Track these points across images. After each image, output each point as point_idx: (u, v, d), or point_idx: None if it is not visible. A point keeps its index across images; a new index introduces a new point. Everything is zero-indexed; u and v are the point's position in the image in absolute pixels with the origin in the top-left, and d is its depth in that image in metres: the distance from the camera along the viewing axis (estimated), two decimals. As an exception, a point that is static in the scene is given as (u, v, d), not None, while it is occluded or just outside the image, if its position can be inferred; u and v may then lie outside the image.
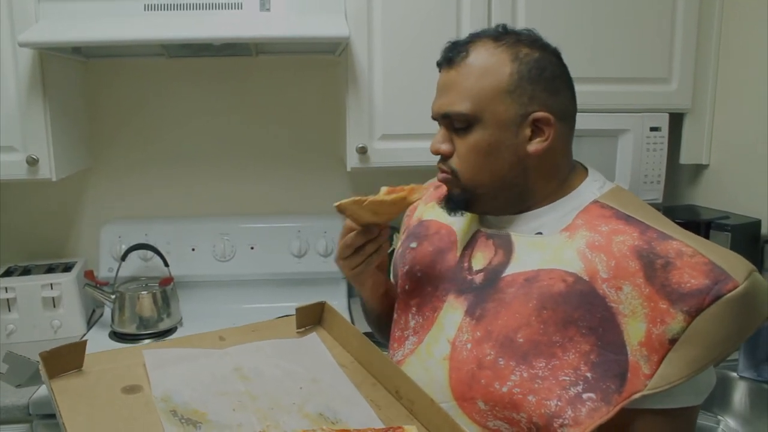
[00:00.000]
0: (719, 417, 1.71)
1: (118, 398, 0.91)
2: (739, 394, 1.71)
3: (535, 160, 0.99)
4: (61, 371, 0.96)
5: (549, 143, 0.98)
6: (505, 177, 1.00)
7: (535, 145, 0.98)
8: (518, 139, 0.98)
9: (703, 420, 1.69)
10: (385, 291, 1.23)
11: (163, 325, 1.97)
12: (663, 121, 1.93)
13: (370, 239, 1.06)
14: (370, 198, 1.00)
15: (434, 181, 1.28)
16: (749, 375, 1.69)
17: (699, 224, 1.83)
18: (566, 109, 1.00)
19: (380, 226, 1.07)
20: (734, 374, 1.71)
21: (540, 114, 0.96)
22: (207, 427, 0.86)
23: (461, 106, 0.98)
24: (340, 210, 1.00)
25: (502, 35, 0.99)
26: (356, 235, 1.06)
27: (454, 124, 1.00)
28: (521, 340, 0.92)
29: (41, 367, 0.93)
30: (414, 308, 1.12)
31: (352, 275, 1.11)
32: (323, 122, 2.22)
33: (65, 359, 0.96)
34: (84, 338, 1.93)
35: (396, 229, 2.12)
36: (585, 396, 0.86)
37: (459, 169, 1.02)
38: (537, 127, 0.97)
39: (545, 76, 0.97)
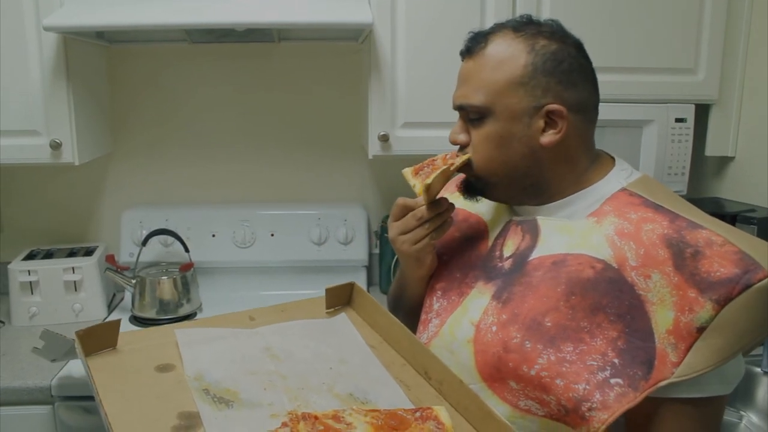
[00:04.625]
0: (742, 413, 1.69)
1: (151, 376, 0.93)
2: (763, 389, 1.69)
3: (548, 151, 1.00)
4: (96, 349, 0.97)
5: (562, 135, 0.98)
6: (518, 167, 1.01)
7: (548, 137, 0.99)
8: (531, 130, 0.99)
9: (726, 415, 1.65)
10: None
11: (183, 311, 1.98)
12: (689, 112, 1.90)
13: (439, 212, 1.07)
14: (453, 163, 1.04)
15: None
16: (773, 370, 1.67)
17: (724, 217, 1.81)
18: (583, 102, 1.00)
19: (446, 200, 1.08)
20: (758, 369, 1.68)
21: (553, 106, 0.97)
22: (239, 405, 0.87)
23: (475, 98, 1.00)
24: (428, 189, 1.03)
25: (522, 26, 1.00)
26: (428, 209, 1.06)
27: (469, 115, 1.02)
28: (549, 324, 0.92)
29: (77, 345, 0.95)
30: (439, 292, 1.12)
31: (414, 251, 1.08)
32: (345, 109, 2.21)
33: (100, 338, 0.98)
34: (105, 321, 1.96)
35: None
36: (613, 381, 0.86)
37: (472, 158, 1.04)
38: (550, 119, 0.98)
39: (561, 69, 0.97)
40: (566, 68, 0.98)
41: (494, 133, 1.00)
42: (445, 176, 1.04)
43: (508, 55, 0.98)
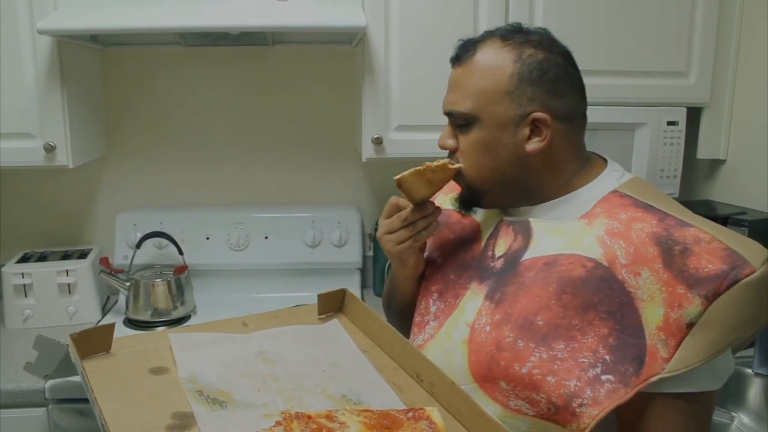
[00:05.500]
0: (733, 413, 1.70)
1: (146, 378, 0.93)
2: (754, 390, 1.70)
3: (534, 159, 1.01)
4: (90, 353, 0.98)
5: (546, 143, 1.00)
6: (505, 174, 1.03)
7: (532, 145, 1.00)
8: (516, 138, 1.00)
9: (717, 416, 1.68)
10: (422, 273, 1.21)
11: (177, 313, 1.98)
12: (680, 115, 1.92)
13: (424, 215, 1.08)
14: (428, 164, 1.03)
15: None
16: (764, 371, 1.68)
17: (716, 219, 1.80)
18: (569, 110, 1.02)
19: (433, 204, 1.09)
20: (749, 371, 1.70)
21: (538, 115, 0.98)
22: (232, 406, 0.87)
23: (462, 105, 1.01)
24: (399, 183, 1.03)
25: (511, 34, 1.02)
26: (412, 211, 1.08)
27: (457, 121, 1.04)
28: (541, 322, 0.93)
29: (72, 348, 0.95)
30: (435, 294, 1.13)
31: (396, 251, 1.11)
32: (339, 112, 2.22)
33: (94, 341, 0.98)
34: (99, 325, 1.96)
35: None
36: (603, 378, 0.87)
37: (462, 165, 1.05)
38: (536, 127, 1.00)
39: (547, 78, 0.99)
40: (552, 77, 0.99)
41: (480, 140, 1.02)
42: (420, 176, 1.04)
43: (495, 64, 1.00)
